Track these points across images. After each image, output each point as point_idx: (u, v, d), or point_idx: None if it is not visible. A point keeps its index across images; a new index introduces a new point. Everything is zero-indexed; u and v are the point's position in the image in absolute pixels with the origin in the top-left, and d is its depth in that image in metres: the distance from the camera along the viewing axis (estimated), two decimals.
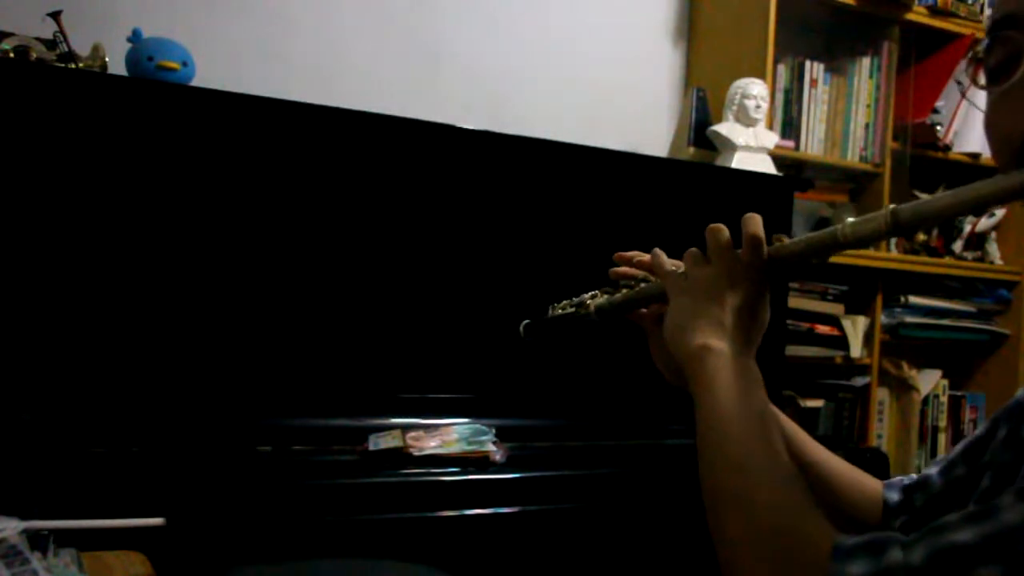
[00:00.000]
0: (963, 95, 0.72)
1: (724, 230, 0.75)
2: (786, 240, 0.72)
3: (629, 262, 0.89)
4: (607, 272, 0.92)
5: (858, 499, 0.85)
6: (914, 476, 0.85)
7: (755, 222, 0.73)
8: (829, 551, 0.56)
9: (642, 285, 0.84)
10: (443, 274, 1.74)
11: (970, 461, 0.77)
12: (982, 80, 0.65)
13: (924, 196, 2.76)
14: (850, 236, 0.65)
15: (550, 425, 1.74)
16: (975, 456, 0.76)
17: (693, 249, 0.77)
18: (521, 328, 0.97)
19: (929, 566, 0.51)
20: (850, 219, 0.66)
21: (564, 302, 0.94)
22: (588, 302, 0.90)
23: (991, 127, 0.65)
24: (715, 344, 0.70)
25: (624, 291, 0.86)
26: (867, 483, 0.86)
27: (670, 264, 0.80)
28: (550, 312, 0.95)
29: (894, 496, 0.84)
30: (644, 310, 0.87)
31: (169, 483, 1.27)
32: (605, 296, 0.88)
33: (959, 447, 0.81)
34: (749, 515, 0.62)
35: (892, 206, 0.62)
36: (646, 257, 0.86)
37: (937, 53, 2.64)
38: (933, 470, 0.82)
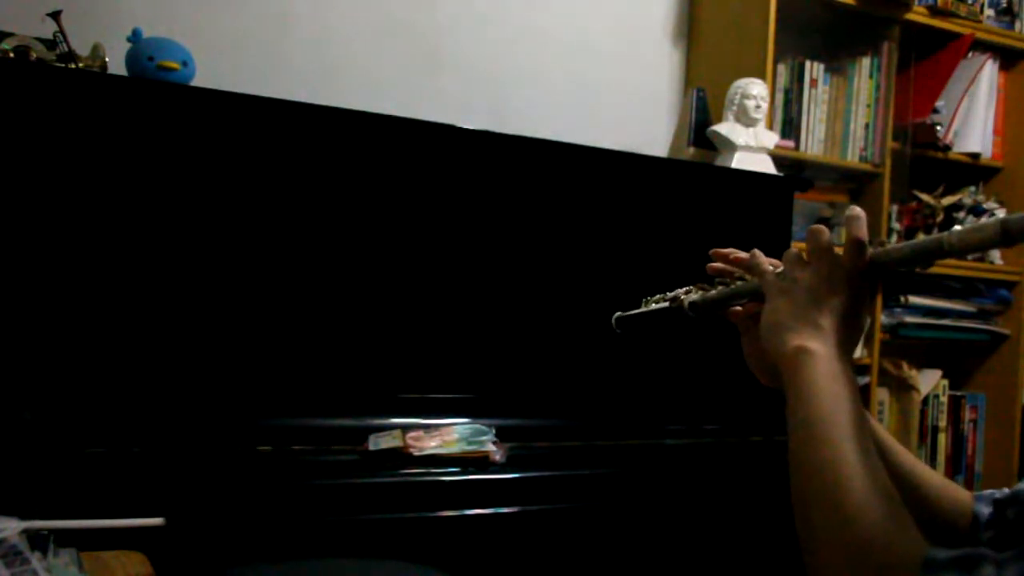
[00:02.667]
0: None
1: (825, 231, 0.74)
2: (889, 245, 0.71)
3: (726, 258, 0.88)
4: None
5: (948, 509, 0.83)
6: (1006, 490, 0.83)
7: (859, 224, 0.72)
8: (920, 562, 0.55)
9: (738, 283, 0.84)
10: (443, 274, 1.74)
11: None
12: None
13: (925, 196, 2.77)
14: (956, 244, 0.65)
15: (550, 425, 1.74)
16: None
17: (792, 250, 0.76)
18: (613, 320, 0.96)
19: None
20: (957, 227, 0.66)
21: (657, 296, 0.93)
22: (682, 297, 0.89)
23: None
24: (813, 346, 0.70)
25: (719, 288, 0.85)
26: (958, 494, 0.85)
27: (768, 263, 0.79)
28: (643, 305, 0.94)
29: (985, 510, 0.82)
30: (739, 308, 0.86)
31: (169, 483, 1.27)
32: (700, 292, 0.88)
33: None
34: (840, 520, 0.62)
35: (1002, 216, 0.63)
36: (743, 255, 0.85)
37: (937, 53, 2.64)
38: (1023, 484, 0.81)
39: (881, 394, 2.63)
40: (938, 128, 2.66)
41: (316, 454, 1.50)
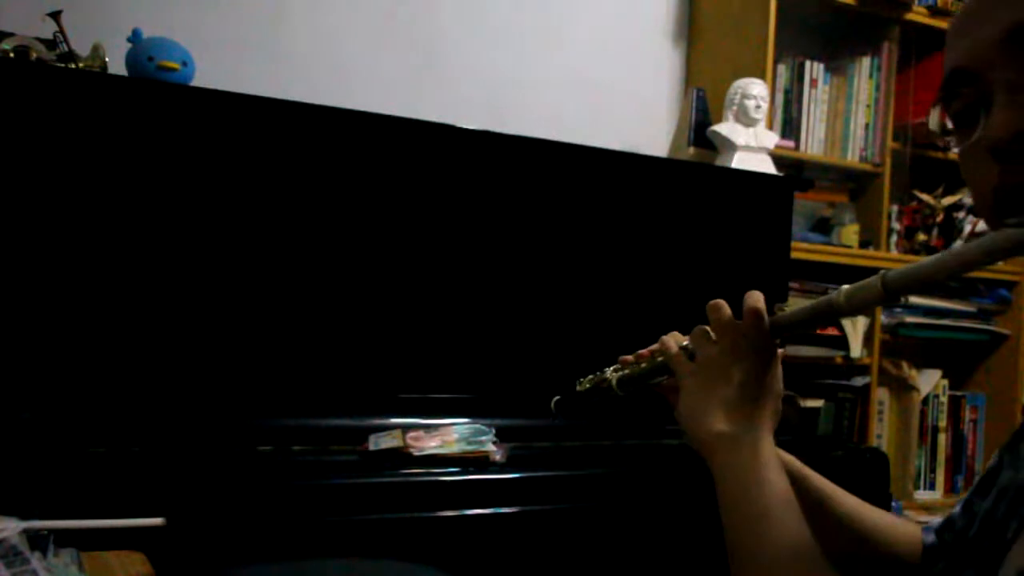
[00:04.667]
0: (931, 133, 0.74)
1: (725, 307, 0.76)
2: (786, 309, 0.74)
3: (637, 356, 0.91)
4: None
5: (900, 545, 0.84)
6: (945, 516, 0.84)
7: (755, 297, 0.74)
8: None
9: (658, 359, 0.86)
10: (443, 274, 1.74)
11: (984, 492, 0.77)
12: (949, 125, 0.66)
13: (925, 196, 2.77)
14: (845, 305, 0.68)
15: (550, 425, 1.74)
16: (988, 487, 0.76)
17: (700, 327, 0.78)
18: (552, 405, 1.00)
19: None
20: (845, 287, 0.69)
21: (589, 376, 0.97)
22: (609, 377, 0.92)
23: (965, 176, 0.64)
24: (725, 429, 0.72)
25: (643, 364, 0.88)
26: (907, 528, 0.86)
27: (676, 345, 0.81)
28: (577, 387, 0.98)
29: (930, 538, 0.84)
30: (663, 380, 0.87)
31: (169, 483, 1.27)
32: (625, 369, 0.90)
33: (976, 482, 0.80)
34: None
35: (882, 272, 0.66)
36: (656, 346, 0.87)
37: (937, 53, 2.63)
38: (957, 509, 0.82)
39: (881, 394, 2.64)
40: None
41: (316, 454, 1.50)
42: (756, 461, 0.70)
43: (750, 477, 0.69)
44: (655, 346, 0.87)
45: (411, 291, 1.71)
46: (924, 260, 0.63)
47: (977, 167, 0.61)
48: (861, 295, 0.66)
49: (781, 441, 0.77)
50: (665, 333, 0.86)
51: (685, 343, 0.80)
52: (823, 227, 2.60)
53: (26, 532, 0.89)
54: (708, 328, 0.77)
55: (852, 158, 2.57)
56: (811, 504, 0.82)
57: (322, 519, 1.32)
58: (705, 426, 0.73)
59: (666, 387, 0.88)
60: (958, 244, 0.63)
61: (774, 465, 0.70)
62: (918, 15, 2.57)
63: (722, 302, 0.76)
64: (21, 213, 1.45)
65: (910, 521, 0.88)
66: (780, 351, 0.76)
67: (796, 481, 0.83)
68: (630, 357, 0.90)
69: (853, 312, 0.68)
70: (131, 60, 1.66)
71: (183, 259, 1.55)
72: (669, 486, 1.55)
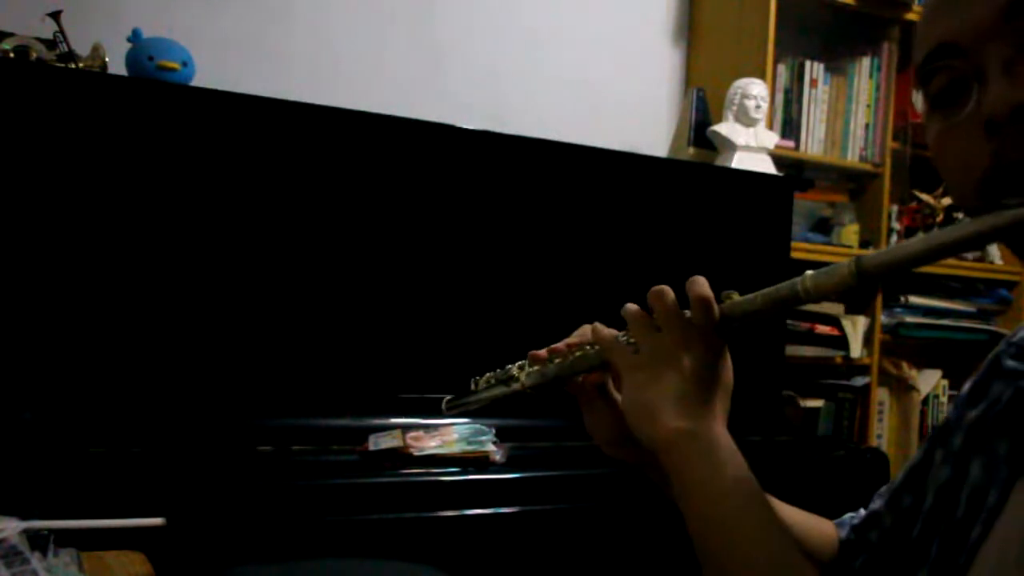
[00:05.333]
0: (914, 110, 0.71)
1: (669, 292, 0.70)
2: (737, 296, 0.68)
3: (562, 348, 0.81)
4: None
5: (817, 544, 0.82)
6: (862, 512, 0.82)
7: (700, 283, 0.69)
8: None
9: (576, 354, 0.77)
10: (443, 274, 1.74)
11: (914, 488, 0.75)
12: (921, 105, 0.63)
13: (925, 196, 2.77)
14: (811, 290, 0.62)
15: (550, 425, 1.74)
16: (918, 482, 0.74)
17: (634, 310, 0.72)
18: (443, 405, 0.92)
19: None
20: (810, 272, 0.63)
21: (488, 375, 0.87)
22: (517, 374, 0.83)
23: (942, 158, 0.61)
24: (681, 424, 0.68)
25: (557, 361, 0.79)
26: (823, 527, 0.84)
27: (611, 335, 0.74)
28: (473, 386, 0.89)
29: (844, 532, 0.82)
30: (580, 379, 0.80)
31: (169, 483, 1.27)
32: (536, 368, 0.80)
33: (900, 475, 0.78)
34: None
35: (856, 256, 0.60)
36: (573, 340, 0.80)
37: None
38: (878, 504, 0.80)
39: (881, 394, 2.63)
40: None
41: (316, 454, 1.50)
42: (715, 453, 0.67)
43: (710, 469, 0.67)
44: (573, 339, 0.80)
45: (411, 291, 1.71)
46: (904, 243, 0.59)
47: (964, 146, 0.58)
48: (831, 279, 0.61)
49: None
50: None
51: (620, 335, 0.73)
52: (823, 227, 2.60)
53: (26, 532, 0.89)
54: (649, 317, 0.71)
55: (852, 158, 2.57)
56: None
57: (322, 519, 1.32)
58: (659, 422, 0.68)
59: (584, 386, 0.81)
60: (943, 231, 0.59)
61: (732, 454, 0.68)
62: (918, 15, 2.56)
63: (666, 288, 0.70)
64: (21, 213, 1.45)
65: (824, 519, 0.85)
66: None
67: None
68: (542, 352, 0.81)
69: (818, 299, 0.63)
70: (131, 60, 1.66)
71: (183, 259, 1.54)
72: None
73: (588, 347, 0.77)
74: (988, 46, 0.56)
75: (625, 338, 0.73)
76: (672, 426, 0.68)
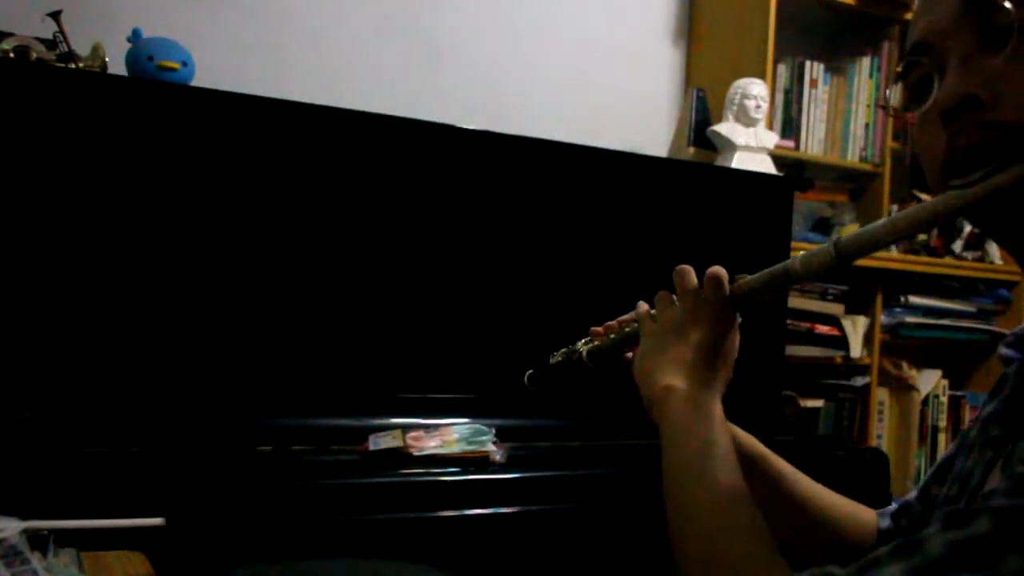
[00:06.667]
0: (884, 109, 0.76)
1: (690, 272, 0.78)
2: (747, 277, 0.75)
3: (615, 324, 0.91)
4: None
5: (854, 530, 0.85)
6: (900, 500, 0.86)
7: (716, 266, 0.76)
8: None
9: (626, 330, 0.87)
10: (443, 274, 1.74)
11: (941, 479, 0.78)
12: (898, 101, 0.68)
13: (925, 196, 2.78)
14: (800, 270, 0.69)
15: (550, 425, 1.74)
16: (947, 473, 0.77)
17: (664, 293, 0.80)
18: (526, 378, 0.99)
19: None
20: (801, 253, 0.70)
21: (561, 349, 0.97)
22: (579, 348, 0.92)
23: (918, 150, 0.66)
24: (676, 384, 0.73)
25: (612, 335, 0.89)
26: (862, 514, 0.87)
27: (646, 310, 0.83)
28: (551, 360, 0.98)
29: (885, 523, 0.85)
30: (631, 353, 0.87)
31: (169, 483, 1.27)
32: (596, 341, 0.91)
33: (933, 468, 0.82)
34: (700, 554, 0.65)
35: (835, 238, 0.67)
36: (626, 317, 0.89)
37: None
38: (913, 494, 0.84)
39: (881, 394, 2.63)
40: None
41: (316, 454, 1.50)
42: (702, 418, 0.71)
43: (694, 432, 0.70)
44: (626, 316, 0.88)
45: (411, 291, 1.71)
46: (874, 224, 0.64)
47: (929, 135, 0.63)
48: (816, 260, 0.68)
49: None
50: None
51: (652, 311, 0.81)
52: (823, 227, 2.60)
53: (26, 532, 0.89)
54: (671, 295, 0.78)
55: (852, 158, 2.57)
56: (767, 484, 0.84)
57: (322, 519, 1.32)
58: (657, 382, 0.74)
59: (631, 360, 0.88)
60: (910, 210, 0.64)
61: (720, 425, 0.71)
62: None
63: (689, 268, 0.78)
64: (21, 213, 1.45)
65: (866, 507, 0.88)
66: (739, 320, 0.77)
67: (754, 461, 0.84)
68: (600, 329, 0.91)
69: (808, 278, 0.70)
70: (131, 60, 1.66)
71: (183, 259, 1.54)
72: None
73: (634, 323, 0.85)
74: (948, 42, 0.61)
75: (653, 313, 0.80)
76: (663, 383, 0.73)
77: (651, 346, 0.77)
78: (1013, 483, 0.50)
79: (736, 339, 0.77)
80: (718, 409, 0.72)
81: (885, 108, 0.66)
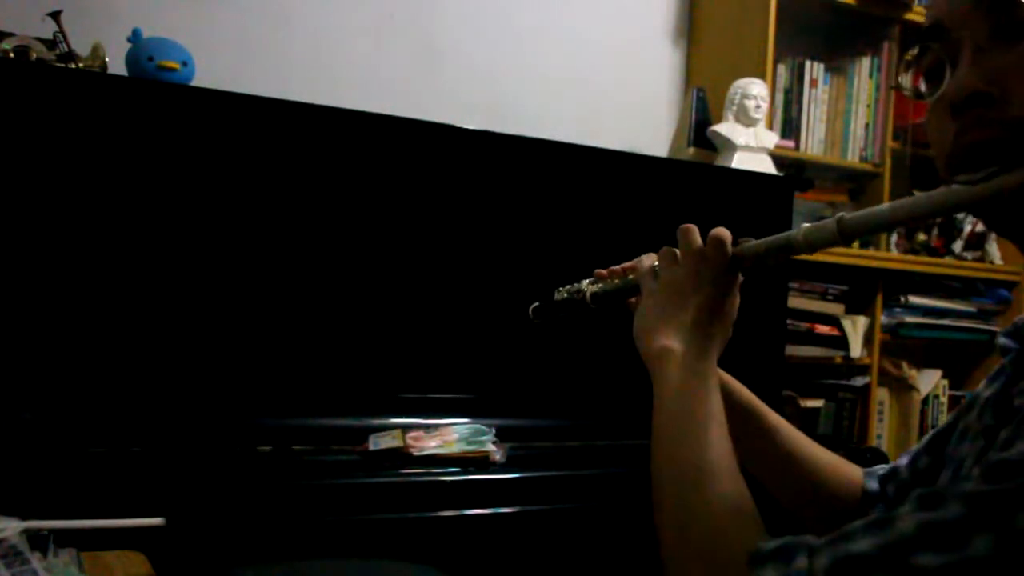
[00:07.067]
0: (896, 89, 0.75)
1: (694, 231, 0.78)
2: (752, 241, 0.75)
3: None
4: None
5: (839, 486, 0.87)
6: (889, 464, 0.87)
7: (721, 228, 0.76)
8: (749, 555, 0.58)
9: (629, 277, 0.88)
10: (443, 274, 1.74)
11: (934, 452, 0.80)
12: (910, 84, 0.68)
13: None
14: (802, 242, 0.70)
15: (550, 425, 1.74)
16: (939, 447, 0.78)
17: (668, 248, 0.79)
18: (530, 311, 1.00)
19: (830, 574, 0.52)
20: (805, 225, 0.70)
21: (567, 286, 0.97)
22: (585, 288, 0.93)
23: (928, 133, 0.66)
24: (673, 345, 0.73)
25: (616, 280, 0.90)
26: (850, 471, 0.89)
27: (649, 263, 0.83)
28: (556, 295, 0.99)
29: (873, 485, 0.86)
30: (634, 300, 0.88)
31: (169, 483, 1.28)
32: (600, 283, 0.92)
33: (926, 438, 0.83)
34: (678, 516, 0.65)
35: (839, 215, 0.67)
36: (630, 264, 0.90)
37: None
38: (903, 460, 0.85)
39: (881, 394, 2.63)
40: None
41: (316, 454, 1.50)
42: (696, 378, 0.71)
43: (688, 392, 0.70)
44: (630, 263, 0.89)
45: (411, 291, 1.71)
46: (879, 206, 0.65)
47: (939, 125, 0.63)
48: (819, 234, 0.68)
49: None
50: None
51: (656, 264, 0.82)
52: None
53: (26, 532, 0.89)
54: (676, 251, 0.78)
55: (852, 158, 2.57)
56: (761, 436, 0.86)
57: (322, 519, 1.32)
58: (655, 340, 0.74)
59: (635, 305, 0.89)
60: (915, 197, 0.65)
61: (713, 385, 0.72)
62: (918, 15, 2.56)
63: (694, 227, 0.78)
64: (21, 213, 1.45)
65: (853, 465, 0.90)
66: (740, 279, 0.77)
67: (750, 413, 0.86)
68: (605, 272, 0.92)
69: (809, 249, 0.70)
70: (131, 60, 1.66)
71: (183, 259, 1.54)
72: None
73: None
74: (963, 31, 0.60)
75: (656, 267, 0.81)
76: (662, 344, 0.74)
77: (651, 305, 0.77)
78: (986, 469, 0.51)
79: (736, 300, 0.77)
80: (713, 373, 0.73)
81: (898, 88, 0.67)
